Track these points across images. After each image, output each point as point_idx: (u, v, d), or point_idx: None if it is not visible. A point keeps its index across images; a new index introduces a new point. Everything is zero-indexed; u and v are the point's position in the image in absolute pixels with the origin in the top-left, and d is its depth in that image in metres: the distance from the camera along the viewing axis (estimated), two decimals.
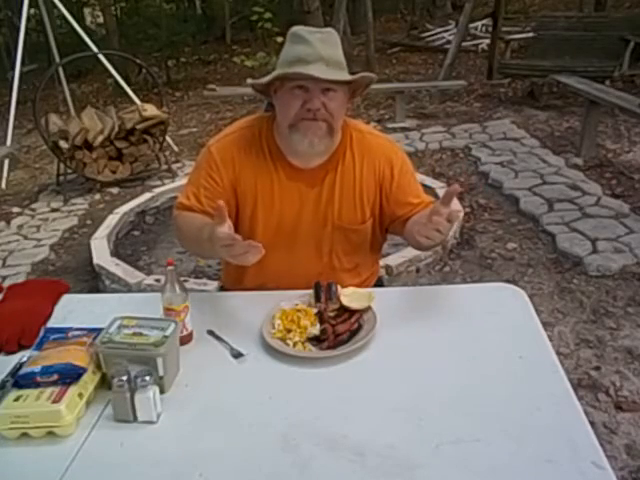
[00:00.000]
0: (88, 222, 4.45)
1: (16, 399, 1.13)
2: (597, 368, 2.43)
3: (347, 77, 1.45)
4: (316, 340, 1.34)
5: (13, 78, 5.70)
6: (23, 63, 5.84)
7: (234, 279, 1.75)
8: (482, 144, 5.19)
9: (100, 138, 4.86)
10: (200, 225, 1.46)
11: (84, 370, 1.19)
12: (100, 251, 3.54)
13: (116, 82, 6.60)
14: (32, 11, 7.19)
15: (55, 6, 6.05)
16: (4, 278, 3.54)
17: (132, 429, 1.13)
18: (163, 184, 4.91)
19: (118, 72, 6.29)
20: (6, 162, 5.40)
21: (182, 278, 3.05)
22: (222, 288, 1.84)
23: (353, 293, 1.44)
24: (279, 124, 1.53)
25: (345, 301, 1.41)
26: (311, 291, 1.46)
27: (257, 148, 1.57)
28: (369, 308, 1.40)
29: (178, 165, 5.49)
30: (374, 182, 1.59)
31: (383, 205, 1.62)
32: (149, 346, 1.19)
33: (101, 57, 6.04)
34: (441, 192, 3.94)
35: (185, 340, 1.36)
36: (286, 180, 1.57)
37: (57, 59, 6.42)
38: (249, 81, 1.58)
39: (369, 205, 1.60)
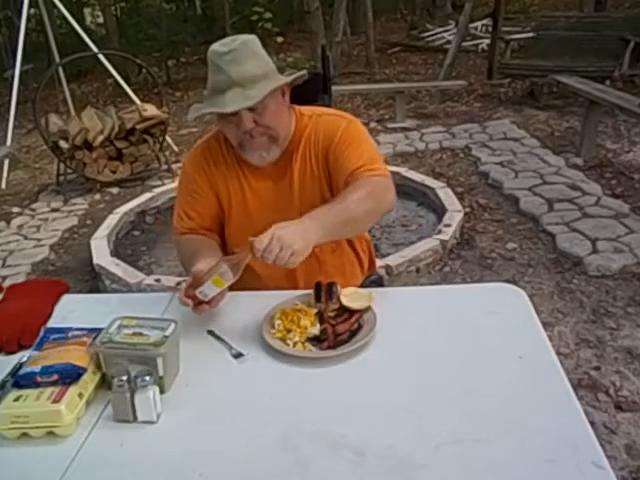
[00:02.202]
0: (88, 222, 4.45)
1: (16, 399, 1.13)
2: (597, 368, 2.43)
3: (259, 96, 1.41)
4: (316, 340, 1.34)
5: (13, 78, 5.70)
6: (22, 63, 5.84)
7: None
8: (482, 144, 5.19)
9: (100, 138, 4.86)
10: (189, 258, 1.52)
11: (84, 370, 1.19)
12: (100, 251, 3.55)
13: (116, 82, 6.60)
14: (32, 11, 7.19)
15: (55, 6, 6.05)
16: (4, 278, 3.55)
17: (132, 429, 1.13)
18: (163, 184, 4.92)
19: (118, 72, 6.29)
20: (6, 162, 5.41)
21: (182, 278, 3.05)
22: None
23: (353, 293, 1.44)
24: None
25: (345, 301, 1.41)
26: (311, 291, 1.46)
27: (223, 156, 1.62)
28: (369, 308, 1.40)
29: (178, 165, 5.48)
30: (322, 160, 1.57)
31: (333, 179, 1.58)
32: (149, 346, 1.19)
33: (101, 57, 6.04)
34: (441, 192, 3.94)
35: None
36: (255, 182, 1.60)
37: (57, 59, 6.43)
38: (191, 117, 1.57)
39: (326, 184, 1.59)
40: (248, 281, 1.63)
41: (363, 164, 1.49)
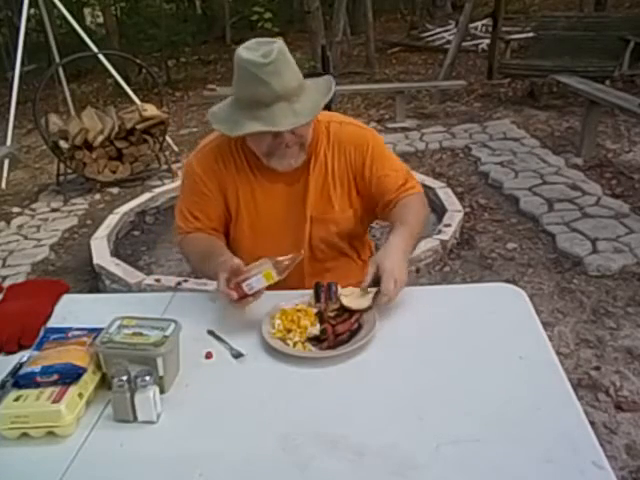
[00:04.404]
0: (88, 222, 4.45)
1: (16, 399, 1.13)
2: (597, 368, 2.43)
3: (311, 114, 1.43)
4: (316, 340, 1.34)
5: (13, 78, 5.71)
6: (23, 63, 5.84)
7: None
8: (482, 144, 5.20)
9: (100, 138, 4.86)
10: (202, 253, 1.56)
11: (84, 370, 1.19)
12: (100, 251, 3.55)
13: (116, 82, 6.61)
14: (32, 11, 7.20)
15: (55, 6, 6.05)
16: (4, 278, 3.55)
17: (132, 429, 1.13)
18: (163, 184, 4.92)
19: (118, 72, 6.30)
20: (6, 162, 5.41)
21: (182, 278, 3.06)
22: None
23: (353, 293, 1.44)
24: (254, 149, 1.54)
25: (345, 301, 1.41)
26: (311, 291, 1.46)
27: (234, 157, 1.59)
28: (369, 308, 1.40)
29: (178, 165, 5.49)
30: (347, 174, 1.60)
31: (363, 194, 1.62)
32: (149, 346, 1.19)
33: (101, 57, 6.04)
34: (441, 192, 3.94)
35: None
36: (267, 183, 1.60)
37: (57, 59, 6.42)
38: (215, 127, 1.50)
39: (346, 196, 1.61)
40: None
41: (403, 183, 1.61)
